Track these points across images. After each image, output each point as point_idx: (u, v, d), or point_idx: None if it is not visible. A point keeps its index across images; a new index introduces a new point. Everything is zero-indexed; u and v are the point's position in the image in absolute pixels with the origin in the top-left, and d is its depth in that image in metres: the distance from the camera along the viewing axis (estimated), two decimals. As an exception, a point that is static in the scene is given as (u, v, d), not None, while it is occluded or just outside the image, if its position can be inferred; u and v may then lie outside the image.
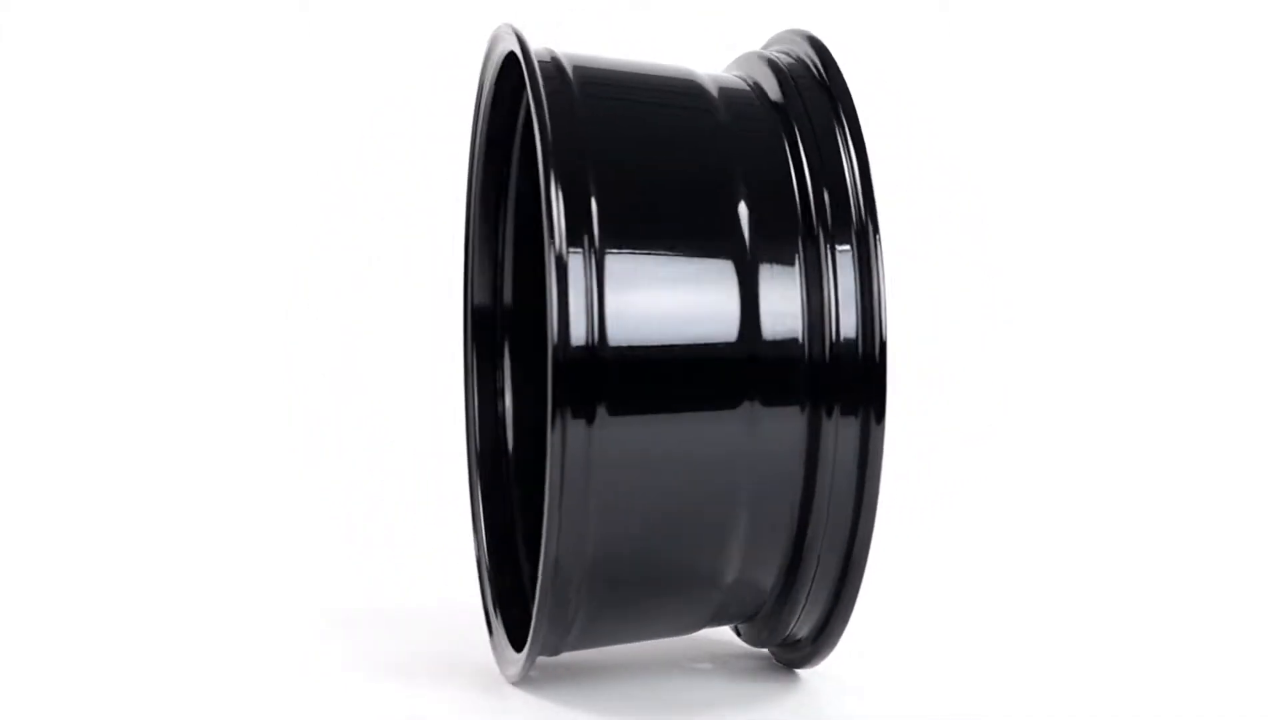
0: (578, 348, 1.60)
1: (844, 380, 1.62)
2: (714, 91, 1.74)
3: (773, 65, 1.75)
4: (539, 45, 1.77)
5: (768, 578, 1.69)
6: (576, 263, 1.61)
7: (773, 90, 1.73)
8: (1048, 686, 1.79)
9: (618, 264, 1.63)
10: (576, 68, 1.74)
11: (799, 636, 1.75)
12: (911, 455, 2.49)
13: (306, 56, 2.74)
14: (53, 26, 2.74)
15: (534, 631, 1.67)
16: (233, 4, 2.75)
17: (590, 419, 1.60)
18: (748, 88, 1.74)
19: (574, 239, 1.62)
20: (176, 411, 2.59)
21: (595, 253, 1.62)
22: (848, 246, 1.64)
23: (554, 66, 1.73)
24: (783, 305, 1.63)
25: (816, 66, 1.73)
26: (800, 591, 1.70)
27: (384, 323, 2.59)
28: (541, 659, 1.81)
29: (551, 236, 1.61)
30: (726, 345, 1.63)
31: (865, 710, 1.74)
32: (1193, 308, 2.69)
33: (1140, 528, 2.30)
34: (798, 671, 1.81)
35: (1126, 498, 2.40)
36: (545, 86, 1.67)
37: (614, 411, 1.62)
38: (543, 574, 1.62)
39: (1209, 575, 2.13)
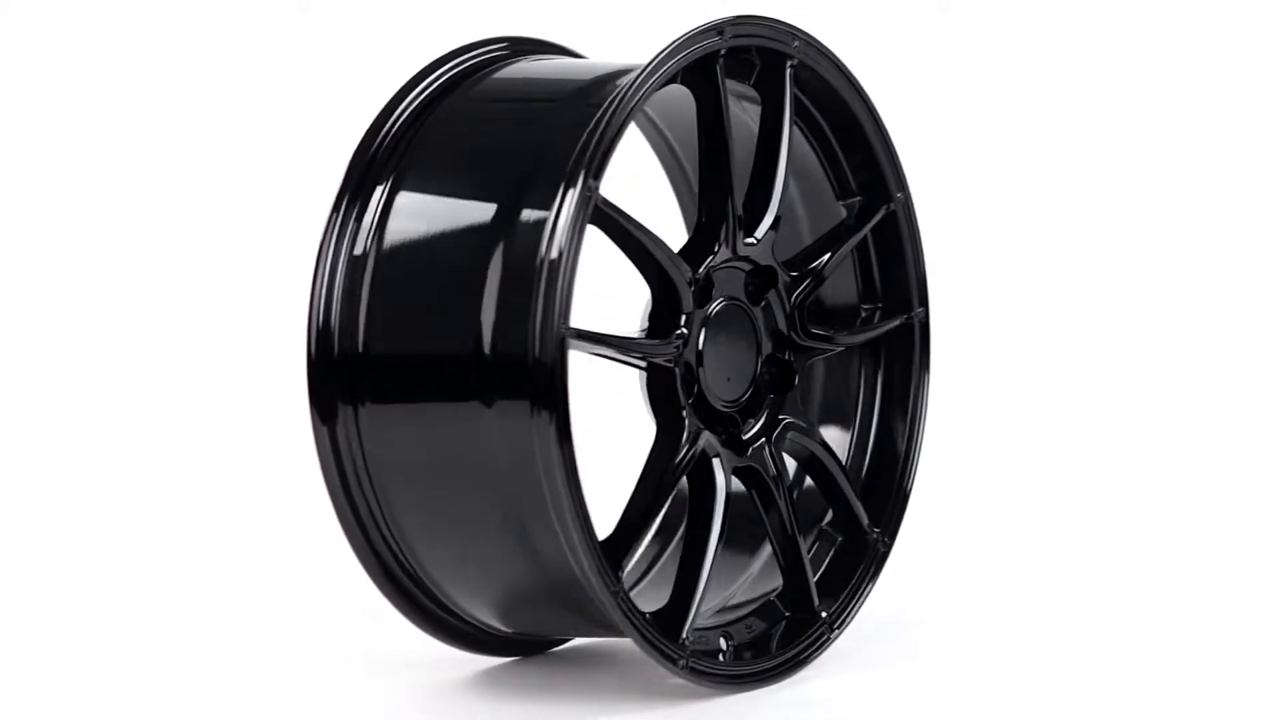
0: (331, 342, 1.70)
1: (536, 379, 1.60)
2: (598, 86, 1.73)
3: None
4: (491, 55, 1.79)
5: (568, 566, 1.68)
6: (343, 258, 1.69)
7: None
8: (1049, 688, 1.79)
9: (385, 260, 1.68)
10: (489, 73, 1.78)
11: None
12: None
13: (308, 56, 2.74)
14: (51, 26, 2.75)
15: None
16: (233, 4, 2.75)
17: (341, 411, 1.70)
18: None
19: (345, 235, 1.70)
20: (176, 411, 2.60)
21: (370, 250, 1.69)
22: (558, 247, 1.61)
23: (471, 71, 1.78)
24: (515, 304, 1.62)
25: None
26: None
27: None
28: (539, 665, 1.82)
29: (328, 228, 1.70)
30: (459, 343, 1.64)
31: (865, 712, 1.74)
32: (1193, 307, 2.70)
33: (1140, 528, 2.30)
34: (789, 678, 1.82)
35: (1126, 497, 2.40)
36: (434, 93, 1.75)
37: (361, 404, 1.69)
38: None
39: (1212, 574, 2.13)
